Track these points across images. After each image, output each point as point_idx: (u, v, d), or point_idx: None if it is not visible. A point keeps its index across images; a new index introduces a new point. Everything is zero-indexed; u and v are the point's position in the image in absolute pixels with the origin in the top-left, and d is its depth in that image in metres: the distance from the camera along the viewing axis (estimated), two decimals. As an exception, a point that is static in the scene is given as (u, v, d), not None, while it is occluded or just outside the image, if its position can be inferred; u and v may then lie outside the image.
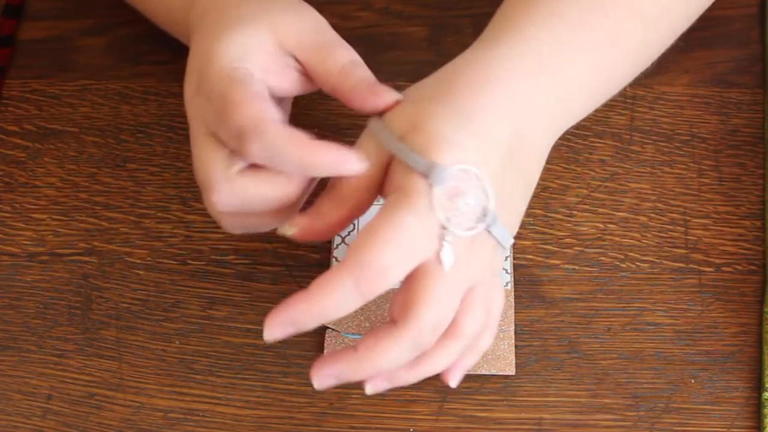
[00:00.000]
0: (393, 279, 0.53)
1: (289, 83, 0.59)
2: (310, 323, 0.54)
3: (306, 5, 0.60)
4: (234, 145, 0.55)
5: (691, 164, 0.69)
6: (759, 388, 0.62)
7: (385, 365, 0.55)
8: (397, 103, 0.56)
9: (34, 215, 0.71)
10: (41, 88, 0.75)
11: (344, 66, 0.57)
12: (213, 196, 0.56)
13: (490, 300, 0.58)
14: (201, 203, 0.70)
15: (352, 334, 0.65)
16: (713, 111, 0.71)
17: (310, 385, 0.63)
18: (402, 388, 0.63)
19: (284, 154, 0.54)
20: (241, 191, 0.56)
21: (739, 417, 0.62)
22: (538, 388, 0.63)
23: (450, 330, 0.56)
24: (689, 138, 0.70)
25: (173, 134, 0.72)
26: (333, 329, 0.65)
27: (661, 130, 0.70)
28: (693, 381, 0.63)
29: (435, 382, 0.63)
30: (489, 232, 0.55)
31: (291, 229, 0.57)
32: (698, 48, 0.73)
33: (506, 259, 0.66)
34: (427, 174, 0.53)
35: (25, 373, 0.66)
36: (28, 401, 0.65)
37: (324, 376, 0.55)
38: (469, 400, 0.63)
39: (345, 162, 0.55)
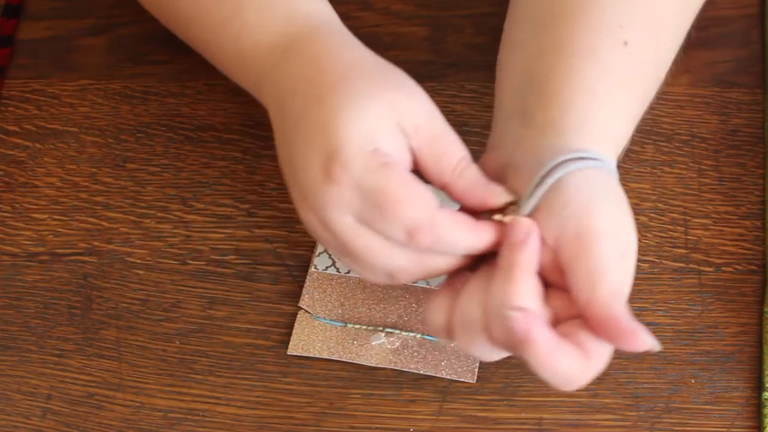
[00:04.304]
0: None
1: (402, 162, 0.56)
2: None
3: (416, 84, 0.57)
4: (400, 237, 0.54)
5: (691, 164, 0.69)
6: (759, 388, 0.62)
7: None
8: (513, 203, 0.56)
9: (34, 215, 0.71)
10: (41, 88, 0.75)
11: (458, 164, 0.56)
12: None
13: None
14: (201, 203, 0.70)
15: (323, 318, 0.65)
16: (713, 111, 0.71)
17: (311, 385, 0.64)
18: (402, 387, 0.63)
19: (455, 241, 0.55)
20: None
21: (739, 417, 0.62)
22: (538, 388, 0.63)
23: None
24: (689, 138, 0.70)
25: (173, 134, 0.72)
26: (306, 311, 0.65)
27: (661, 130, 0.70)
28: (693, 381, 0.63)
29: (435, 382, 0.63)
30: None
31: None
32: (698, 48, 0.73)
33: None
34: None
35: (25, 373, 0.66)
36: (28, 401, 0.65)
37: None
38: (469, 400, 0.63)
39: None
